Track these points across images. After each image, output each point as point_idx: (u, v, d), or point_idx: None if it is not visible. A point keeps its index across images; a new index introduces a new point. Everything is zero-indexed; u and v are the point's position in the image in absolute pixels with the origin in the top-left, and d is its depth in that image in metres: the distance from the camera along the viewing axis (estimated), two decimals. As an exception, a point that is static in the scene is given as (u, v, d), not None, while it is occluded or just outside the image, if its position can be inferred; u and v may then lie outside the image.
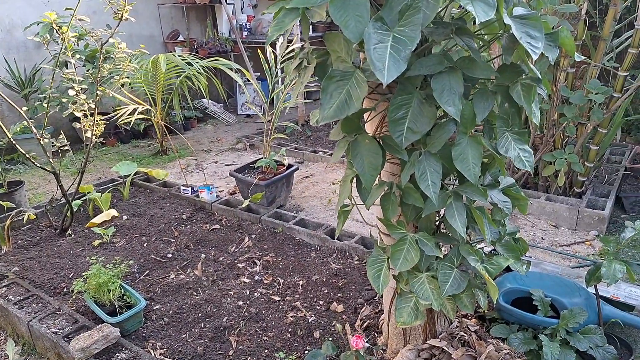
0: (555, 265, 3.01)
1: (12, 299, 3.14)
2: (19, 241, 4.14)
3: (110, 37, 3.62)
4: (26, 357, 2.91)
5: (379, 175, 2.15)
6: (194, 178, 5.76)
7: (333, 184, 4.93)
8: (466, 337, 2.48)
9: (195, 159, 6.57)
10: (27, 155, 3.60)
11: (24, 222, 4.20)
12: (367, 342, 2.71)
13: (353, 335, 1.79)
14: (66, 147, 3.89)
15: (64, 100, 4.07)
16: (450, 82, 1.59)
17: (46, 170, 3.85)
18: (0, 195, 4.49)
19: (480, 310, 2.78)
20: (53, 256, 3.85)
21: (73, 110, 3.57)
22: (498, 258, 2.03)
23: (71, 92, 3.55)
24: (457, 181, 2.00)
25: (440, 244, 2.07)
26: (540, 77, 1.67)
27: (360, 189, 1.91)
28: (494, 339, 2.56)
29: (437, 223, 2.17)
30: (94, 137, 3.96)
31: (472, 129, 1.72)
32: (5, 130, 3.59)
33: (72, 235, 4.22)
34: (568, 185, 4.64)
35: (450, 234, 2.06)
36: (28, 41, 6.50)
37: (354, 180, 1.93)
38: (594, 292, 2.55)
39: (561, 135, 4.45)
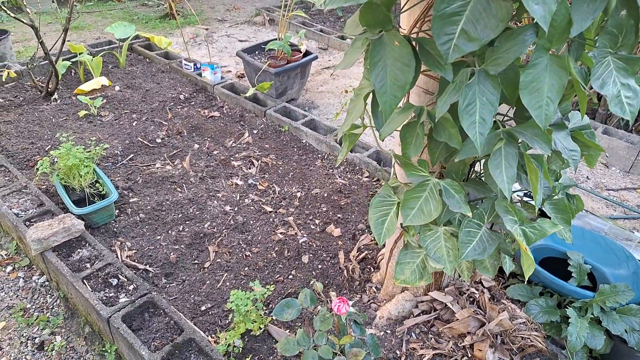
0: (602, 221, 2.55)
1: (-23, 167, 2.86)
2: (0, 100, 3.78)
3: None
4: (-9, 233, 2.71)
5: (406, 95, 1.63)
6: (201, 52, 5.17)
7: (346, 91, 4.31)
8: (477, 295, 2.14)
9: (206, 29, 5.89)
10: (-6, 0, 3.06)
11: (4, 79, 3.79)
12: (361, 275, 2.40)
13: (337, 297, 1.43)
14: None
15: None
16: (547, -38, 0.98)
17: (22, 22, 3.32)
18: (-21, 44, 4.03)
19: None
20: (33, 122, 3.51)
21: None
22: (543, 222, 1.56)
23: None
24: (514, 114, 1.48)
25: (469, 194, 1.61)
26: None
27: (376, 111, 1.40)
28: (509, 300, 2.21)
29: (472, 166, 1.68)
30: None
31: (560, 45, 1.15)
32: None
33: (58, 101, 3.83)
34: (634, 119, 3.96)
35: (487, 184, 1.58)
36: None
37: (370, 96, 1.41)
38: (645, 264, 2.13)
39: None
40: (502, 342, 2.01)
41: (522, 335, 1.99)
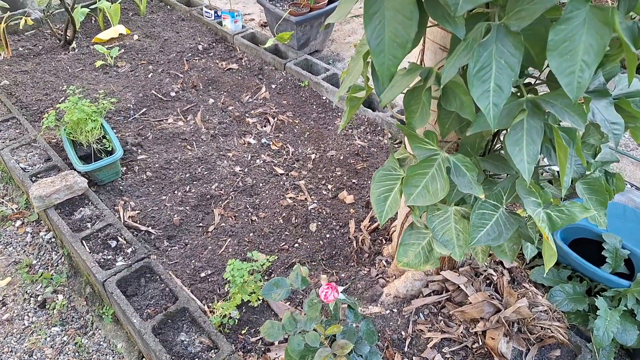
0: (648, 200, 2.28)
1: (-10, 118, 2.85)
2: (20, 48, 3.75)
3: None
4: (5, 185, 2.73)
5: (416, 53, 1.41)
6: (225, -1, 4.94)
7: (355, 45, 3.98)
8: (495, 278, 1.97)
9: (234, -26, 5.60)
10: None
11: (21, 27, 3.74)
12: (371, 247, 2.27)
13: (326, 284, 1.30)
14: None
15: None
16: None
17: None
18: (-3, -11, 3.96)
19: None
20: (49, 72, 3.46)
21: None
22: (573, 206, 1.36)
23: None
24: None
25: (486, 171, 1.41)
26: None
27: (376, 74, 1.20)
28: (531, 283, 2.03)
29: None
30: None
31: (604, -5, 0.91)
32: None
33: (76, 50, 3.76)
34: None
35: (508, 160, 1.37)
36: None
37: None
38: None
39: None
40: (518, 330, 1.86)
41: (541, 325, 1.83)
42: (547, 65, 1.12)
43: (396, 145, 2.90)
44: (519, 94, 1.21)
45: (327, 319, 1.44)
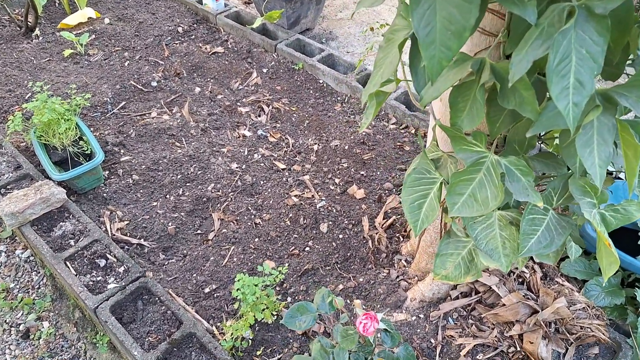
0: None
1: (-51, 122, 2.61)
2: (-25, 38, 3.46)
3: None
4: (-27, 197, 2.51)
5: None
6: (201, -26, 4.65)
7: (372, 29, 3.76)
8: (527, 275, 1.86)
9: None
10: None
11: (-25, 14, 3.44)
12: (388, 246, 2.14)
13: (362, 313, 1.17)
14: None
15: None
16: None
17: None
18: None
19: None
20: (11, 65, 3.20)
21: None
22: (629, 204, 1.25)
23: None
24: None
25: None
26: None
27: (416, 67, 1.04)
28: (564, 277, 1.94)
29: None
30: None
31: None
32: None
33: (40, 38, 3.49)
34: None
35: (563, 157, 1.24)
36: None
37: (407, 43, 1.05)
38: None
39: None
40: (556, 330, 1.77)
41: (581, 324, 1.74)
42: (621, 53, 0.99)
43: (402, 131, 2.76)
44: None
45: (361, 344, 1.31)
